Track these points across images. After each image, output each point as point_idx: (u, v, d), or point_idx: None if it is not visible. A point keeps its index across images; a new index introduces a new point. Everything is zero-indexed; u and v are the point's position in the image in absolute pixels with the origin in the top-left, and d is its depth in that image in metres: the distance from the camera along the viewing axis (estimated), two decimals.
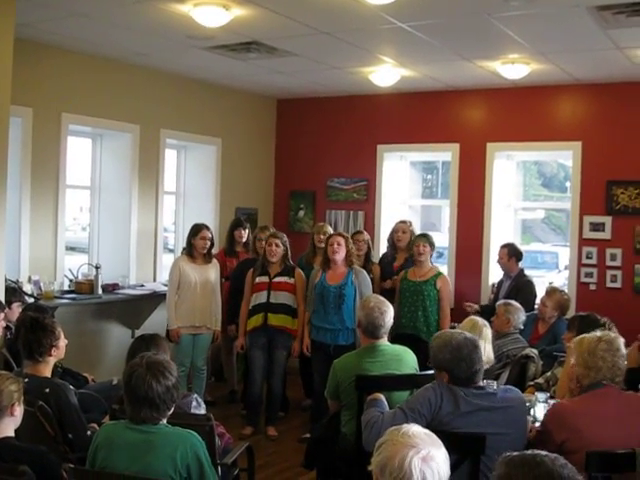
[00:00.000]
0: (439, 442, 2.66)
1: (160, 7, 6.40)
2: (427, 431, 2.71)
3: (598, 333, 4.20)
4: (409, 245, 8.24)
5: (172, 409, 3.68)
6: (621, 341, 4.14)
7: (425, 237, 7.93)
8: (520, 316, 6.64)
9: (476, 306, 8.57)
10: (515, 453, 2.18)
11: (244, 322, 7.79)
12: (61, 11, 6.61)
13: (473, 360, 4.17)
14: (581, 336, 4.24)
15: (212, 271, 8.01)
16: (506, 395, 4.16)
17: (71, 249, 10.20)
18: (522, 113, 9.35)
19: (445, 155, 10.10)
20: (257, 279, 7.68)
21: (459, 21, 6.62)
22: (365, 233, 8.70)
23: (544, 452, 2.10)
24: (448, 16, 6.46)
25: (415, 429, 2.69)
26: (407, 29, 6.80)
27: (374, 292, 7.28)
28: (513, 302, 6.93)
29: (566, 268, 9.47)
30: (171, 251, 10.19)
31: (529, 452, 2.11)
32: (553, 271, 12.18)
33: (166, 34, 7.33)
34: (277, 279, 7.65)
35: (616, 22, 6.38)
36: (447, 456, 2.63)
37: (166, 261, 9.44)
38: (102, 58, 8.45)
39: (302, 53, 7.99)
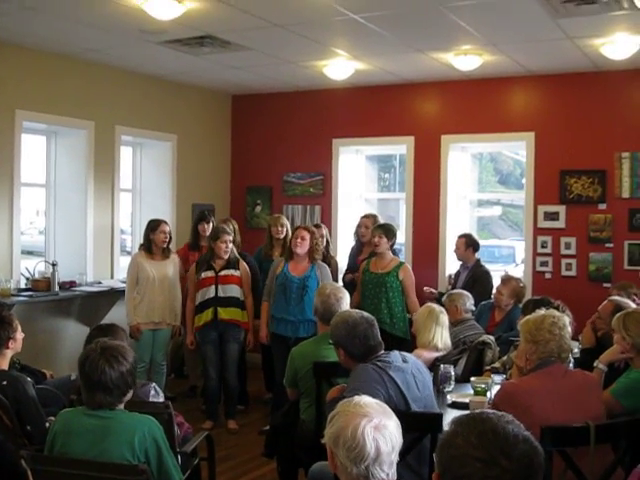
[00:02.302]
0: (390, 411, 2.71)
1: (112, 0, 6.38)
2: (378, 401, 2.75)
3: (543, 311, 4.28)
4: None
5: (128, 395, 3.69)
6: (567, 320, 4.23)
7: (381, 228, 7.85)
8: (466, 300, 6.72)
9: (436, 292, 8.61)
10: (465, 412, 2.23)
11: (191, 319, 7.79)
12: (8, 5, 6.52)
13: (367, 337, 4.47)
14: (527, 317, 4.33)
15: (170, 266, 7.99)
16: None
17: (28, 253, 10.09)
18: (476, 105, 9.43)
19: (400, 148, 10.15)
20: (202, 274, 7.66)
21: (411, 12, 6.65)
22: (323, 227, 8.72)
23: (491, 410, 2.15)
24: (400, 7, 6.49)
25: (366, 399, 2.73)
26: (360, 21, 6.83)
27: None
28: (454, 291, 7.09)
29: (523, 262, 9.55)
30: (129, 253, 10.11)
31: (477, 411, 2.16)
32: (510, 265, 12.24)
33: (119, 28, 7.29)
34: (223, 272, 7.66)
35: (566, 11, 6.45)
36: (399, 424, 2.67)
37: (124, 262, 9.35)
38: (55, 54, 8.39)
39: (256, 47, 7.99)
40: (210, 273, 7.64)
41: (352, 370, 4.38)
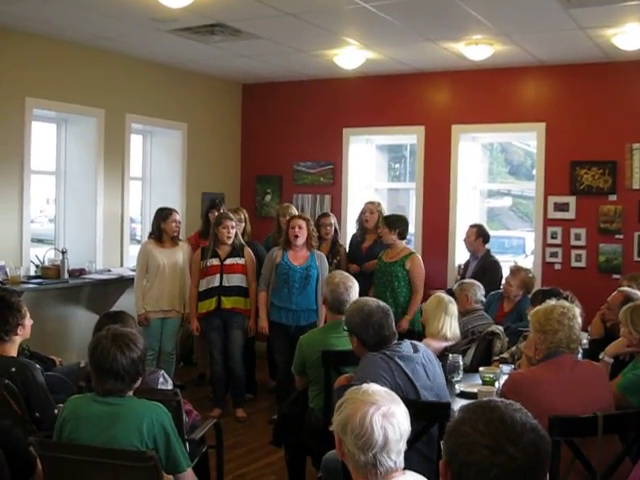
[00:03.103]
0: (398, 399, 2.71)
1: None
2: (386, 389, 2.75)
3: (553, 301, 4.28)
4: (377, 226, 8.27)
5: (138, 382, 3.70)
6: (577, 310, 4.22)
7: (385, 219, 7.96)
8: (477, 290, 6.69)
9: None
10: (472, 401, 2.23)
11: (194, 305, 7.77)
12: None
13: (382, 326, 4.46)
14: (537, 307, 4.33)
15: (180, 254, 8.01)
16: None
17: (39, 241, 10.13)
18: (486, 95, 9.40)
19: (411, 138, 10.13)
20: (208, 262, 7.65)
21: (423, 1, 6.63)
22: (332, 216, 8.71)
23: (499, 399, 2.15)
24: None
25: (375, 387, 2.73)
26: (371, 9, 6.81)
27: None
28: (465, 280, 7.05)
29: (533, 253, 9.53)
30: (139, 241, 10.13)
31: (485, 399, 2.16)
32: (520, 256, 12.23)
33: (130, 16, 7.29)
34: (229, 261, 7.65)
35: (577, 1, 6.42)
36: (407, 412, 2.67)
37: (133, 250, 9.35)
38: (66, 42, 8.39)
39: (267, 35, 7.98)
40: (215, 261, 7.63)
41: (361, 359, 4.38)
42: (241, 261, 7.69)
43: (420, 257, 7.92)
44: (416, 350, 4.36)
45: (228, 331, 7.71)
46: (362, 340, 4.47)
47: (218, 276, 7.60)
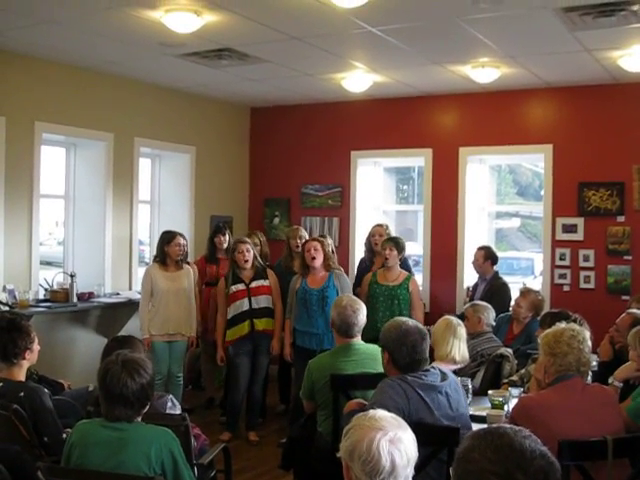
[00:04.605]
0: (405, 425, 2.69)
1: (132, 14, 6.42)
2: (393, 415, 2.74)
3: (563, 324, 4.26)
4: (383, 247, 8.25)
5: (147, 407, 3.69)
6: (587, 333, 4.19)
7: (392, 241, 7.91)
8: (490, 314, 6.66)
9: None
10: (482, 426, 2.23)
11: (221, 335, 7.76)
12: (31, 18, 6.62)
13: (416, 349, 4.33)
14: (546, 330, 4.31)
15: (185, 278, 7.99)
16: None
17: (47, 264, 10.14)
18: (494, 117, 9.43)
19: (418, 160, 10.15)
20: (233, 288, 7.66)
21: (429, 24, 6.67)
22: (328, 237, 8.65)
23: (508, 425, 2.14)
24: (418, 20, 6.51)
25: (381, 413, 2.72)
26: (377, 33, 6.85)
27: None
28: (479, 302, 6.98)
29: (541, 274, 9.52)
30: (147, 264, 10.12)
31: (494, 426, 2.15)
32: (529, 277, 12.23)
33: (138, 41, 7.35)
34: (254, 284, 7.67)
35: (583, 24, 6.46)
36: (414, 438, 2.66)
37: (142, 273, 9.31)
38: (75, 66, 8.45)
39: (274, 59, 8.03)
40: (241, 286, 7.64)
41: (379, 383, 4.34)
42: (266, 283, 7.72)
43: None
44: (444, 379, 4.30)
45: (256, 356, 7.74)
46: (394, 358, 4.36)
47: (246, 300, 7.61)
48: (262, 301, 7.67)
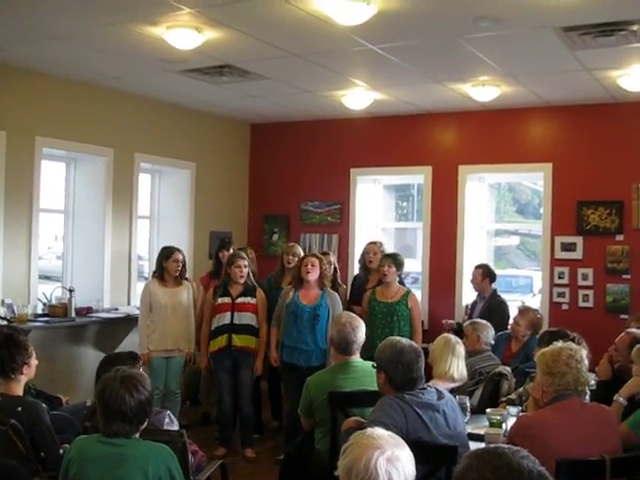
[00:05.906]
0: (403, 443, 2.69)
1: (133, 30, 6.44)
2: (391, 433, 2.74)
3: (560, 343, 4.26)
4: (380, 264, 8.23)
5: (145, 423, 3.69)
6: (584, 352, 4.20)
7: (390, 257, 7.90)
8: (489, 332, 6.65)
9: (454, 322, 8.59)
10: (480, 444, 2.23)
11: (205, 343, 7.78)
12: (33, 34, 6.63)
13: (412, 367, 4.34)
14: (543, 349, 4.31)
15: (184, 293, 7.98)
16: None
17: (46, 278, 10.13)
18: (493, 135, 9.46)
19: (418, 178, 10.17)
20: (219, 300, 7.65)
21: (429, 43, 6.70)
22: (331, 254, 8.67)
23: (506, 445, 2.14)
24: (418, 38, 6.54)
25: (379, 431, 2.72)
26: (378, 51, 6.88)
27: None
28: (479, 320, 6.95)
29: (540, 292, 9.52)
30: (146, 279, 10.12)
31: (492, 446, 2.15)
32: (527, 295, 12.21)
33: (139, 57, 7.37)
34: (240, 300, 7.64)
35: (583, 43, 6.49)
36: (412, 457, 2.65)
37: (141, 289, 9.32)
38: (76, 81, 8.47)
39: (274, 76, 8.06)
40: (227, 299, 7.62)
41: (378, 401, 4.34)
42: (252, 301, 7.68)
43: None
44: (440, 397, 4.30)
45: (238, 371, 7.68)
46: (389, 377, 4.36)
47: (229, 314, 7.58)
48: (245, 318, 7.62)
